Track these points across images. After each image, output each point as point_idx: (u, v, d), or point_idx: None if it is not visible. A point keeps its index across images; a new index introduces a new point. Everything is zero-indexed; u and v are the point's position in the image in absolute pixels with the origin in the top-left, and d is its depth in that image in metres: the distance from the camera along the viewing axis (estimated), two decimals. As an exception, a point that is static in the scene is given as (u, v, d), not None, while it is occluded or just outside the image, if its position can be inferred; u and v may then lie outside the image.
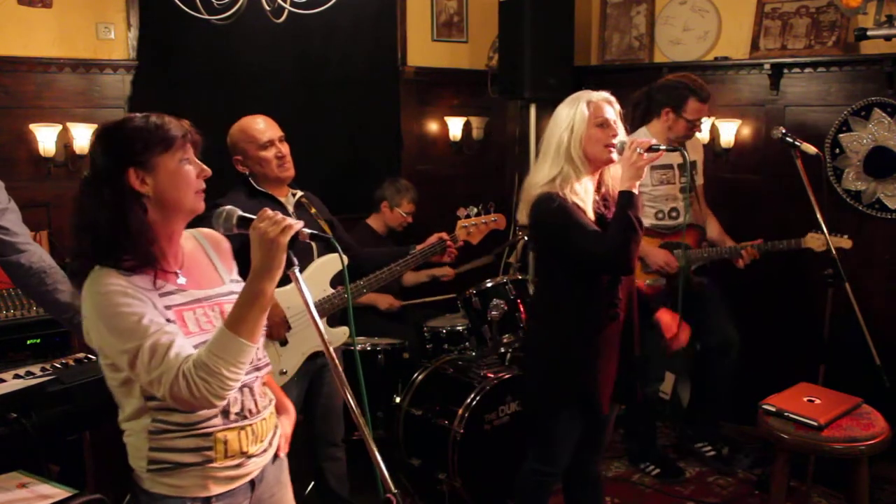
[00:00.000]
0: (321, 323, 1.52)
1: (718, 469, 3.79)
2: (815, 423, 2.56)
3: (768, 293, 4.05)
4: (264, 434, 1.75)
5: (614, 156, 2.40)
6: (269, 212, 1.55)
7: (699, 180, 3.69)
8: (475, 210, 3.04)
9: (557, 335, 2.49)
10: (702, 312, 3.63)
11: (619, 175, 2.40)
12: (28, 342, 2.85)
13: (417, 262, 2.97)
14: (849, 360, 3.24)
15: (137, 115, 1.66)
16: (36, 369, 2.33)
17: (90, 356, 2.48)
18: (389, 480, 1.46)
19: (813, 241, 3.30)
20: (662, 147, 2.38)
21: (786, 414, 2.64)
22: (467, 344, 3.80)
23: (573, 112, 2.40)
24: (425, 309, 4.14)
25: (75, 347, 2.88)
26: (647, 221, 3.54)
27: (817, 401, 2.71)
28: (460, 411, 3.23)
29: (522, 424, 3.25)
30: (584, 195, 2.41)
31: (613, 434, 4.19)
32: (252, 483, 1.74)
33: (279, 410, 1.88)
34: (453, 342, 3.81)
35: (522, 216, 2.51)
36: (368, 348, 3.58)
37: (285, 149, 2.81)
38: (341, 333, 2.87)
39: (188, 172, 1.64)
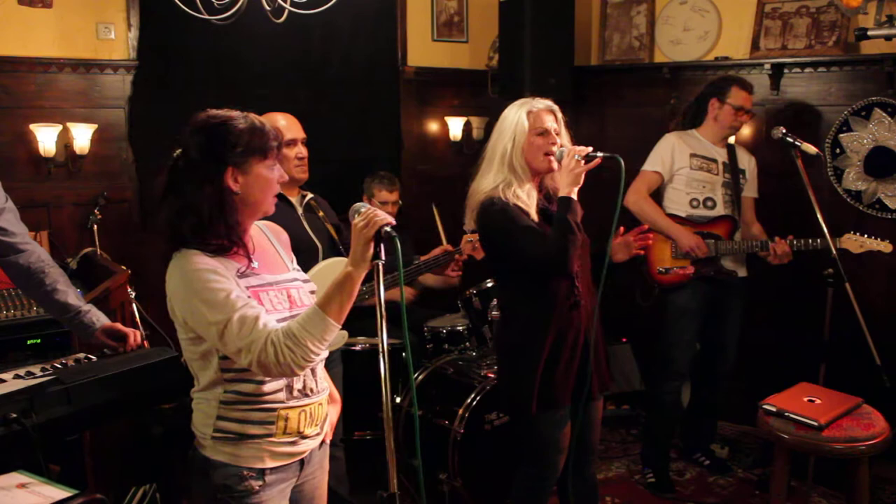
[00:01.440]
0: (383, 321, 1.62)
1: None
2: (815, 423, 2.56)
3: (769, 293, 4.04)
4: (319, 418, 1.89)
5: (554, 164, 2.45)
6: (370, 208, 1.70)
7: (748, 192, 3.62)
8: None
9: (522, 334, 2.51)
10: (720, 314, 3.61)
11: (560, 179, 2.43)
12: (28, 342, 2.84)
13: (421, 272, 2.98)
14: (849, 360, 3.24)
15: (238, 114, 1.77)
16: (36, 369, 2.32)
17: (90, 356, 2.47)
18: (395, 478, 1.56)
19: (850, 242, 3.26)
20: (599, 154, 2.40)
21: (786, 414, 2.63)
22: (467, 344, 3.79)
23: (514, 123, 2.45)
24: (428, 309, 4.14)
25: (75, 347, 2.87)
26: (682, 210, 3.55)
27: (817, 401, 2.71)
28: (460, 411, 3.23)
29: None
30: (527, 199, 2.46)
31: (614, 435, 4.20)
32: (301, 462, 1.88)
33: (329, 399, 1.99)
34: (453, 342, 3.80)
35: (469, 223, 2.57)
36: (368, 348, 3.58)
37: (305, 151, 2.83)
38: (340, 336, 2.86)
39: (273, 178, 1.79)
